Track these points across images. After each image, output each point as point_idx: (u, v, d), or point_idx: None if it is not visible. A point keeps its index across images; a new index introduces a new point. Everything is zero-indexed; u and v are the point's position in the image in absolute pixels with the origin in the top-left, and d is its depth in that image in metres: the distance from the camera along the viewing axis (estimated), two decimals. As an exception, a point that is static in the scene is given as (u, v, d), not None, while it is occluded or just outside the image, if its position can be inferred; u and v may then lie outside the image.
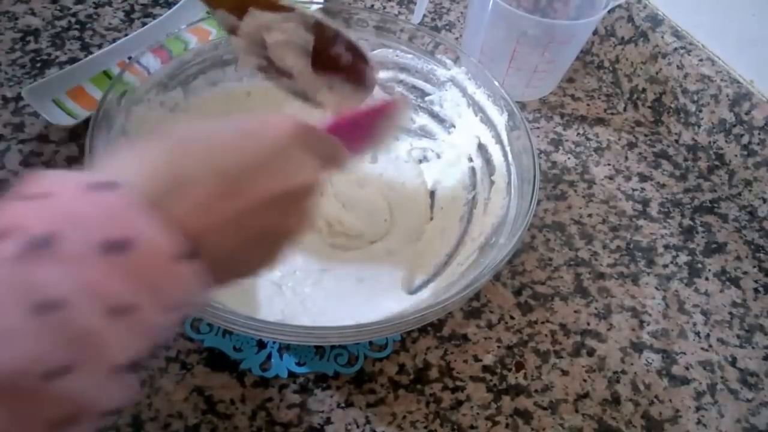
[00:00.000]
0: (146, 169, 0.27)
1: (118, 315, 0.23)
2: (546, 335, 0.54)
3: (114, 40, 0.70)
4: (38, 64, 0.67)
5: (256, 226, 0.30)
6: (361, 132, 0.42)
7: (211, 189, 0.28)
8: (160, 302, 0.25)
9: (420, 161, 0.62)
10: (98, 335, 0.23)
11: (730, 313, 0.57)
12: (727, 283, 0.60)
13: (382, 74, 0.61)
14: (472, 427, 0.48)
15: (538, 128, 0.71)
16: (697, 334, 0.56)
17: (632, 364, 0.53)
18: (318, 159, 0.34)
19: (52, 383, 0.21)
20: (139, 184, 0.26)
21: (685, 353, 0.54)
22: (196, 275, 0.26)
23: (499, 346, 0.53)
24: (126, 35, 0.70)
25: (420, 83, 0.61)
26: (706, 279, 0.60)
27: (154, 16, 0.74)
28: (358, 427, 0.47)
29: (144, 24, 0.73)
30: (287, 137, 0.32)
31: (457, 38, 0.79)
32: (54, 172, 0.25)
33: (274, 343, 0.50)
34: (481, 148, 0.57)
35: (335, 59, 0.47)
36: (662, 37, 0.69)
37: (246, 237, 0.30)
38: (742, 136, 0.63)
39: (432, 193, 0.61)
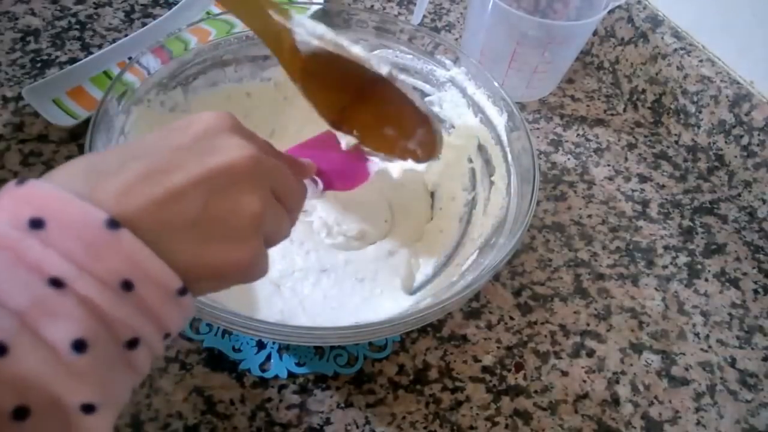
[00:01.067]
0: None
1: (129, 346, 0.25)
2: (545, 336, 0.54)
3: (114, 41, 0.70)
4: (38, 64, 0.67)
5: (206, 213, 0.28)
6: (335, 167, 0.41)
7: (135, 173, 0.27)
8: (162, 331, 0.27)
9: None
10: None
11: (730, 314, 0.57)
12: (727, 284, 0.60)
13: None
14: (471, 427, 0.48)
15: (537, 129, 0.71)
16: (697, 335, 0.56)
17: (632, 364, 0.53)
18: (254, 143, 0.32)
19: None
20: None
21: (684, 354, 0.54)
22: (189, 304, 0.27)
23: (498, 347, 0.53)
24: (126, 35, 0.70)
25: (420, 84, 0.61)
26: (706, 280, 0.60)
27: (154, 17, 0.74)
28: (357, 427, 0.47)
29: (144, 24, 0.73)
30: (216, 121, 0.31)
31: (456, 39, 0.79)
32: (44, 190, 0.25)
33: (273, 343, 0.50)
34: (481, 148, 0.57)
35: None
36: (662, 38, 0.69)
37: (199, 228, 0.28)
38: (741, 137, 0.63)
39: (432, 194, 0.61)
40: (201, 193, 0.28)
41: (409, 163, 0.51)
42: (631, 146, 0.71)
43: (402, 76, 0.60)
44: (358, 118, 0.50)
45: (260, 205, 0.30)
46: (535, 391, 0.50)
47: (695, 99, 0.67)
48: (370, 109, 0.49)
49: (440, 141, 0.48)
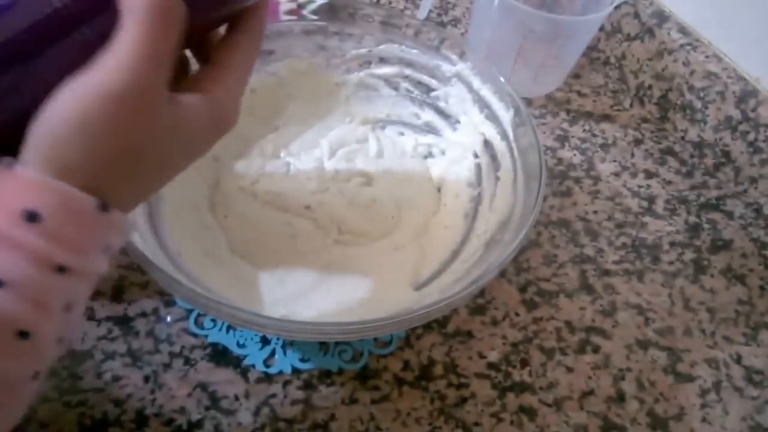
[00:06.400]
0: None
1: (59, 273, 0.27)
2: (551, 332, 0.54)
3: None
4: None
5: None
6: None
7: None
8: (89, 254, 0.28)
9: (425, 157, 0.62)
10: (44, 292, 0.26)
11: (736, 311, 0.57)
12: (733, 280, 0.59)
13: (388, 69, 0.61)
14: (476, 424, 0.48)
15: (544, 124, 0.71)
16: (703, 331, 0.55)
17: (637, 361, 0.53)
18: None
19: None
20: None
21: (690, 351, 0.54)
22: (112, 219, 0.29)
23: (504, 343, 0.52)
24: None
25: (426, 79, 0.61)
26: (712, 276, 0.59)
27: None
28: (362, 423, 0.47)
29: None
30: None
31: (462, 34, 0.79)
32: None
33: (278, 339, 0.50)
34: (487, 144, 0.57)
35: None
36: (668, 34, 0.69)
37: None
38: (748, 133, 0.63)
39: (437, 190, 0.60)
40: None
41: None
42: (638, 142, 0.70)
43: (408, 71, 0.61)
44: None
45: None
46: (541, 388, 0.50)
47: (701, 95, 0.67)
48: None
49: None
